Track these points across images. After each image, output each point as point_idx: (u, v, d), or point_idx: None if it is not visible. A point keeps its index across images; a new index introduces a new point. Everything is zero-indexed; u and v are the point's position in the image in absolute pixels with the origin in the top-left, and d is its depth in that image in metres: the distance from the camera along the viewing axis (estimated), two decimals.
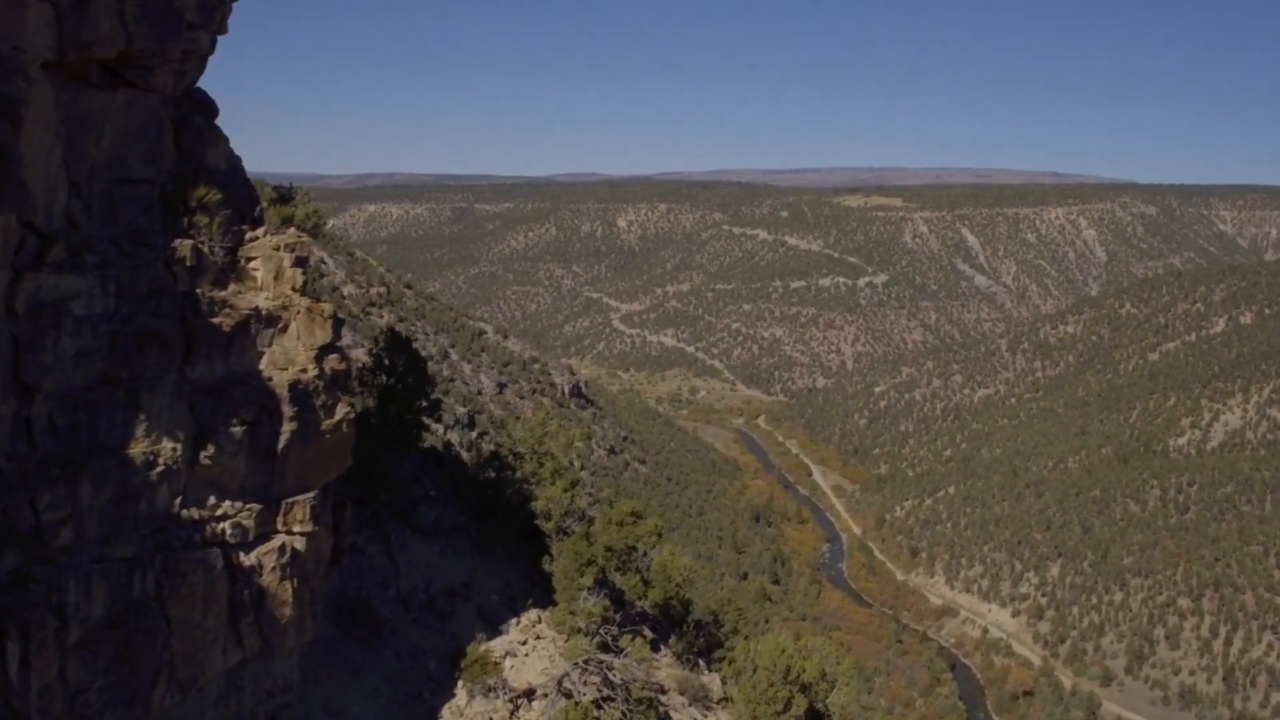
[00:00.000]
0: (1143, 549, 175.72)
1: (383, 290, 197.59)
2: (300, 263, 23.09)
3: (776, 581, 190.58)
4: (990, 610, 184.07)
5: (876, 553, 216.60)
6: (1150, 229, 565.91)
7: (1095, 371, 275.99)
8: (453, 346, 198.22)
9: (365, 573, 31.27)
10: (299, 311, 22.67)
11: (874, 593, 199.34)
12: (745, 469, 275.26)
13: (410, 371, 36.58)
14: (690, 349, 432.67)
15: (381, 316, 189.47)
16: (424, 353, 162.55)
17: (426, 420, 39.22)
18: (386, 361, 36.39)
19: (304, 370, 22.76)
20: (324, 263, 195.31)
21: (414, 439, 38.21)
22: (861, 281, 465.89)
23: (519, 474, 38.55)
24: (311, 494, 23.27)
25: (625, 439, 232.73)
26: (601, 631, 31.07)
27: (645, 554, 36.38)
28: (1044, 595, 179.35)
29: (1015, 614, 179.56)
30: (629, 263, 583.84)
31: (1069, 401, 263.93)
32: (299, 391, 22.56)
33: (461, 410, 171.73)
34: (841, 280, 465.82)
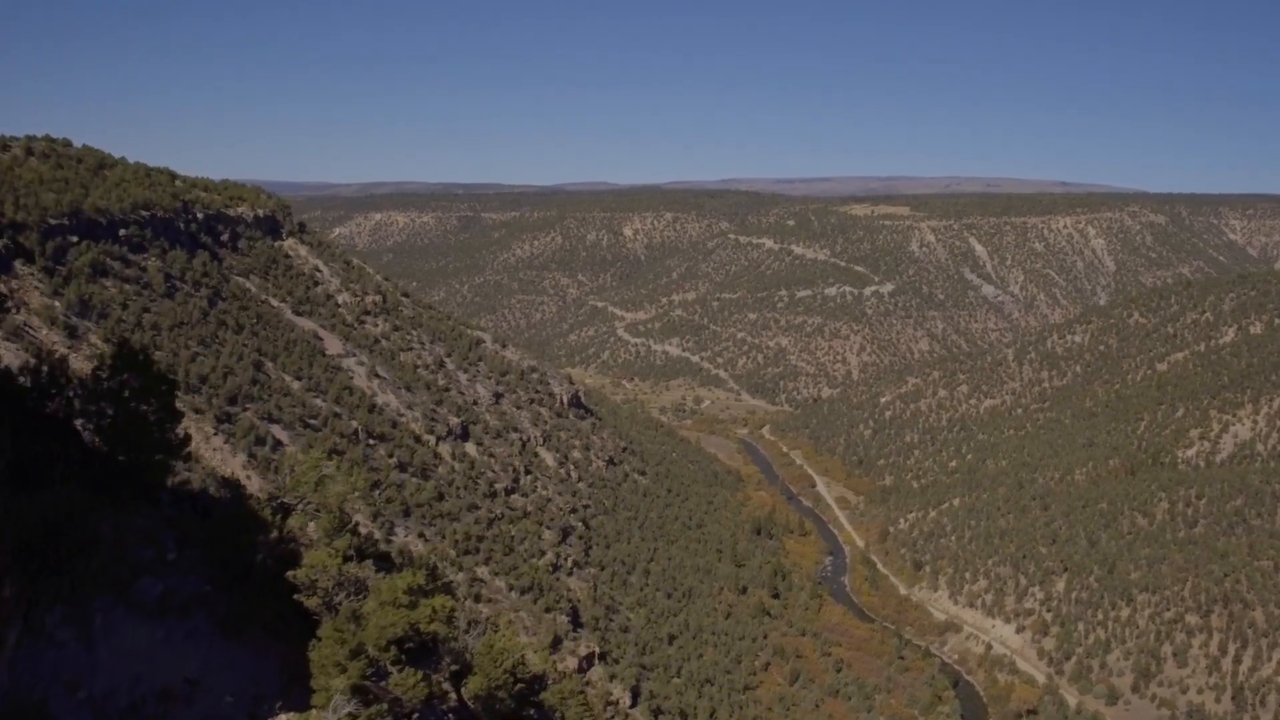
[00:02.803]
0: (1150, 563, 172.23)
1: (378, 299, 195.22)
2: None
3: (776, 596, 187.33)
4: (994, 625, 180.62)
5: (879, 566, 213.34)
6: (1159, 238, 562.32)
7: (1103, 382, 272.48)
8: (449, 355, 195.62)
9: (48, 668, 23.52)
10: None
11: (876, 607, 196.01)
12: (748, 480, 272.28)
13: (147, 397, 27.98)
14: (695, 358, 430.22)
15: (377, 325, 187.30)
16: (418, 361, 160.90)
17: (175, 461, 29.85)
18: (108, 384, 27.53)
19: None
20: (319, 271, 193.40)
21: (153, 485, 28.99)
22: (868, 291, 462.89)
23: (285, 531, 29.98)
24: None
25: (625, 450, 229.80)
26: None
27: (467, 631, 29.96)
28: (1049, 610, 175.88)
29: (1020, 630, 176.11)
30: (634, 272, 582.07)
31: (1076, 412, 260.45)
32: None
33: (455, 420, 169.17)
34: (848, 289, 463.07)
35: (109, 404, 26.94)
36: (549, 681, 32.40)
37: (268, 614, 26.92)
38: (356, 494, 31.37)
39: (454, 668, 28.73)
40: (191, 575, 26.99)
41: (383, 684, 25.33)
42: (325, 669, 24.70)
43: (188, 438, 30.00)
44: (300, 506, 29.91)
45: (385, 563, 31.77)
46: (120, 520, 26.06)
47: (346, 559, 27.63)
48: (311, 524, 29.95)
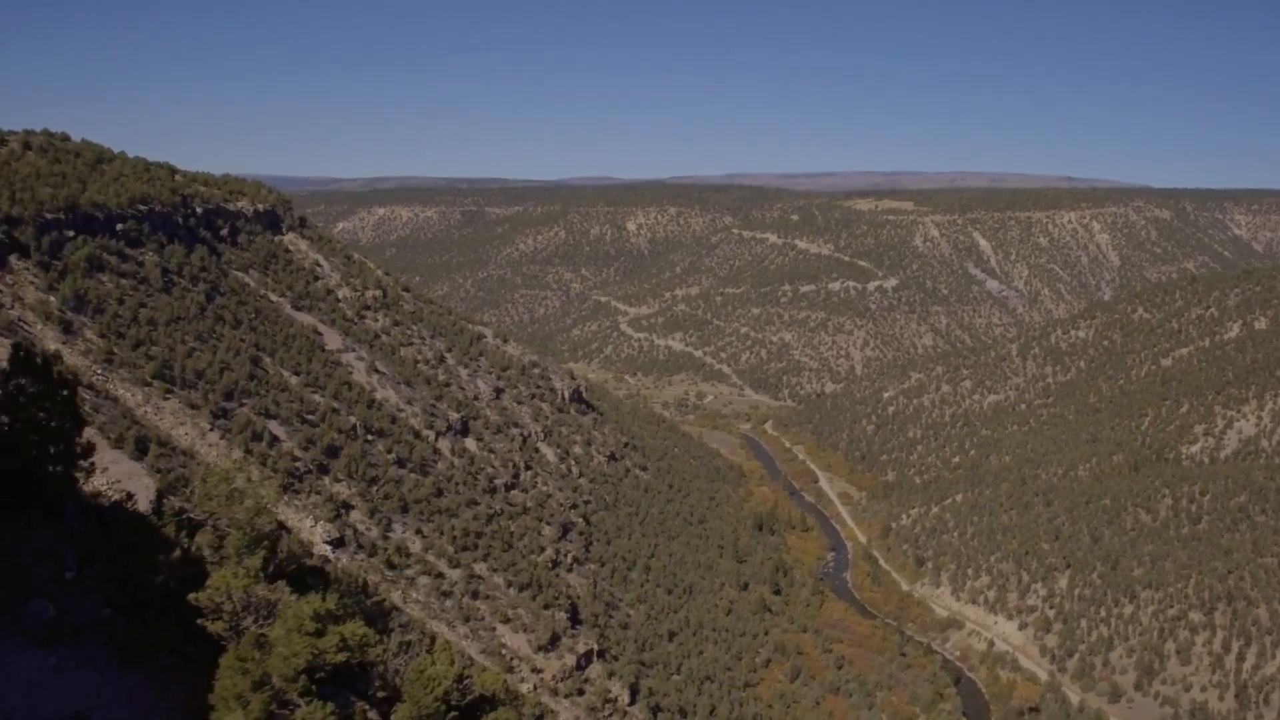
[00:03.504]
0: (1154, 560, 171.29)
1: (379, 294, 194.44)
2: None
3: (778, 592, 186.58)
4: (996, 622, 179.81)
5: (881, 562, 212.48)
6: (1164, 233, 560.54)
7: (1107, 377, 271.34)
8: (450, 351, 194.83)
9: None
10: None
11: (878, 603, 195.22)
12: (750, 475, 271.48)
13: (43, 403, 25.93)
14: (698, 353, 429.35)
15: (377, 320, 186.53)
16: (419, 357, 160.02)
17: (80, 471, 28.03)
18: (3, 390, 25.65)
19: None
20: (319, 265, 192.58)
21: (59, 498, 26.91)
22: (871, 285, 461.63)
23: (194, 548, 28.20)
24: None
25: (627, 445, 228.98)
26: None
27: (398, 654, 28.24)
28: (1052, 607, 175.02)
29: (1022, 626, 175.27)
30: (638, 266, 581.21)
31: (1080, 408, 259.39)
32: None
33: (455, 416, 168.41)
34: (851, 284, 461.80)
35: (3, 411, 25.25)
36: (499, 703, 30.32)
37: (170, 640, 24.68)
38: (269, 508, 28.88)
39: (383, 694, 26.96)
40: (89, 597, 24.82)
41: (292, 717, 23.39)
42: (226, 702, 22.68)
43: (90, 446, 28.13)
44: (210, 522, 27.91)
45: (314, 578, 30.00)
46: (17, 536, 24.15)
47: (261, 578, 25.66)
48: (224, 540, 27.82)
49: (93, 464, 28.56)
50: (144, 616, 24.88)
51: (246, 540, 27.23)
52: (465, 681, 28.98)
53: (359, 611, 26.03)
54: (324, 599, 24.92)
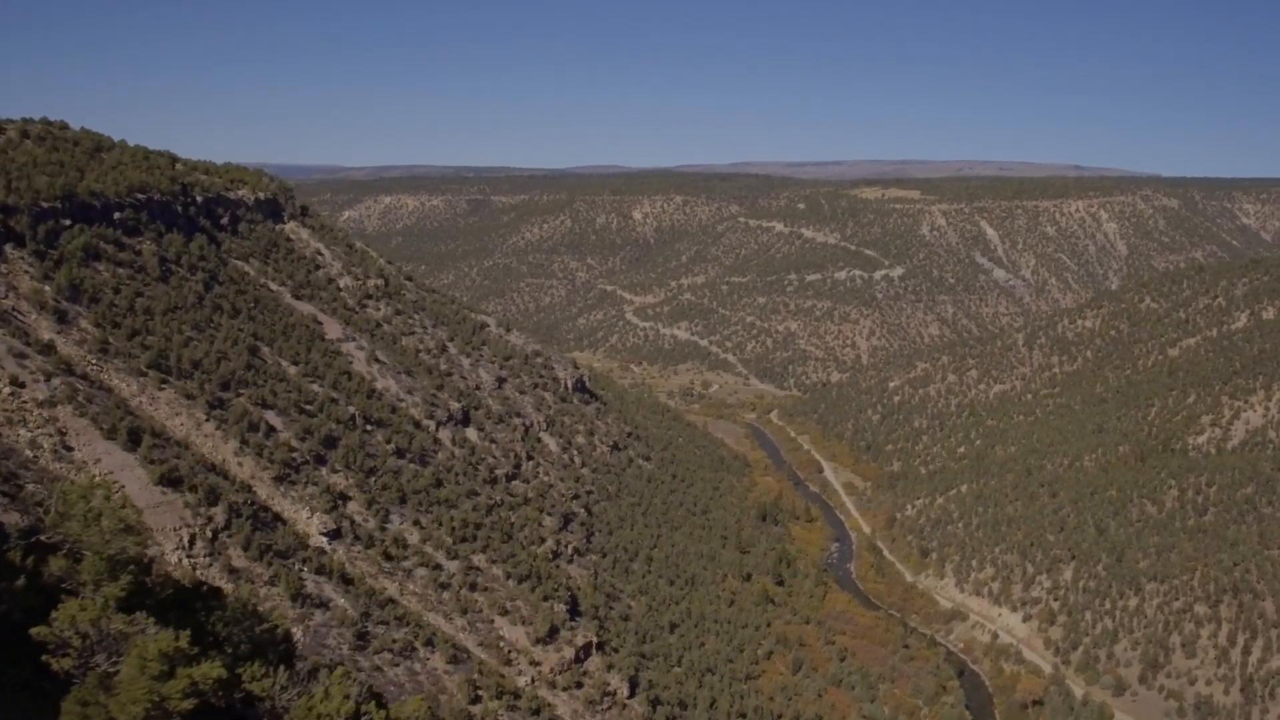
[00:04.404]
0: (1159, 552, 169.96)
1: (380, 283, 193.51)
2: None
3: (781, 583, 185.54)
4: (1001, 614, 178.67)
5: (886, 553, 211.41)
6: (1172, 222, 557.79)
7: (1114, 367, 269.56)
8: (452, 340, 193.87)
9: None
10: None
11: (882, 595, 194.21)
12: (755, 465, 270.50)
13: None
14: (704, 342, 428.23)
15: (378, 309, 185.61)
16: (420, 346, 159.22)
17: None
18: None
19: None
20: (320, 254, 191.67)
21: None
22: (878, 274, 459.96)
23: (48, 575, 25.45)
24: None
25: (630, 435, 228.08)
26: None
27: (284, 689, 24.71)
28: (1056, 599, 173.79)
29: (1026, 618, 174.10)
30: (644, 255, 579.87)
31: (1086, 398, 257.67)
32: None
33: (456, 406, 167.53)
34: (857, 273, 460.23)
35: None
36: None
37: (15, 677, 22.48)
38: (134, 527, 26.25)
39: None
40: None
41: None
42: None
43: None
44: (68, 546, 25.36)
45: (201, 603, 27.40)
46: None
47: (121, 608, 23.29)
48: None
49: None
50: None
51: (105, 565, 24.82)
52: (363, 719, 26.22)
53: (246, 641, 23.94)
54: (177, 635, 22.46)
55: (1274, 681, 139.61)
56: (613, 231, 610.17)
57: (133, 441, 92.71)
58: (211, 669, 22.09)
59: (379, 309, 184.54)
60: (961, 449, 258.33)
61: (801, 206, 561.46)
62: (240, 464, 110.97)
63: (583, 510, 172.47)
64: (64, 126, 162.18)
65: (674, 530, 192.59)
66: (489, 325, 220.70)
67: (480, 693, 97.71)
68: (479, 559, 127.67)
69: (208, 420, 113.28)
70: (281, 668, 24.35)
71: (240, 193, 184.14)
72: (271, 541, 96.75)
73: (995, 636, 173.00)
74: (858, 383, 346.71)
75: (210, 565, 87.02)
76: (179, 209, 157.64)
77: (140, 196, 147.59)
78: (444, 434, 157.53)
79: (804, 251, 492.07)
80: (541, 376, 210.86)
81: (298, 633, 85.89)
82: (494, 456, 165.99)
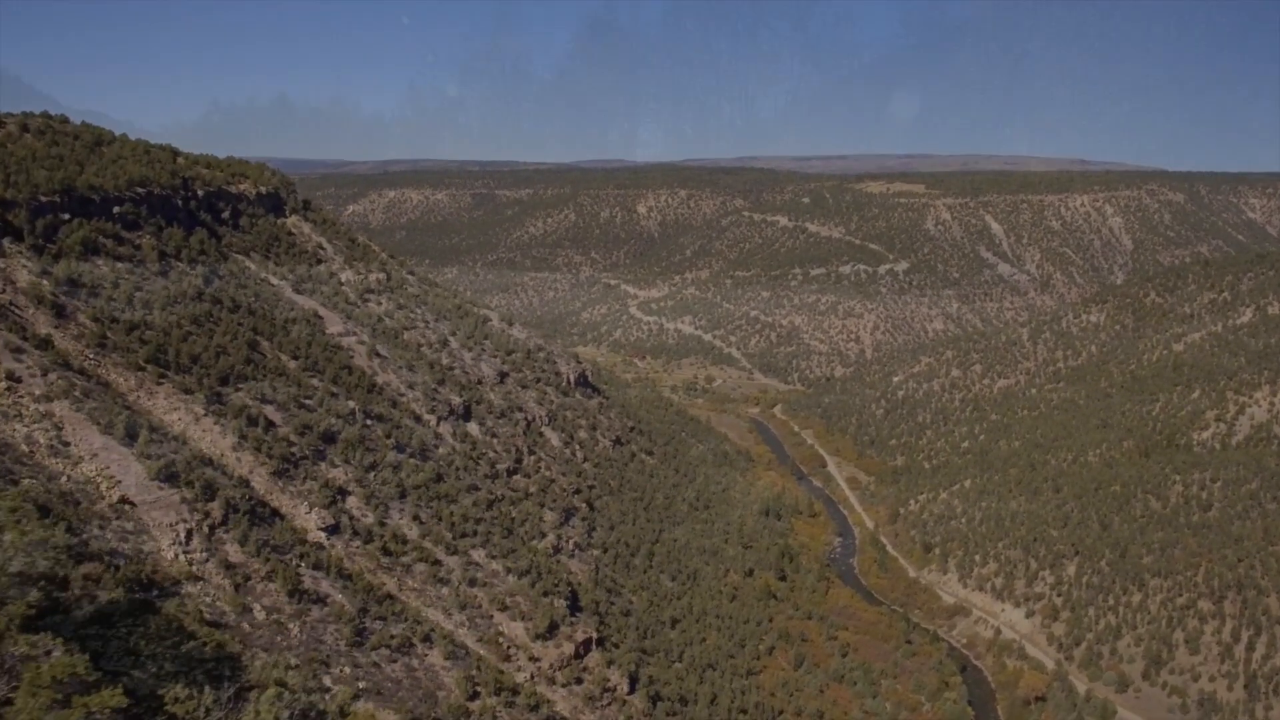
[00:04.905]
0: (1163, 548, 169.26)
1: (382, 277, 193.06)
2: None
3: (783, 578, 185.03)
4: (1003, 610, 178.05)
5: (889, 548, 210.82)
6: (1178, 217, 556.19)
7: (1118, 362, 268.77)
8: (454, 334, 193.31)
9: None
10: None
11: (884, 590, 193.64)
12: (758, 460, 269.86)
13: None
14: (707, 337, 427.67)
15: (380, 303, 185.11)
16: (422, 340, 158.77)
17: None
18: None
19: None
20: (322, 249, 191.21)
21: None
22: (882, 269, 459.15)
23: None
24: None
25: (633, 429, 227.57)
26: None
27: (209, 712, 23.09)
28: (1059, 595, 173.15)
29: (1029, 614, 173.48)
30: (648, 249, 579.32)
31: (1090, 393, 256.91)
32: None
33: (457, 400, 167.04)
34: (862, 268, 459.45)
35: None
36: None
37: None
38: (50, 540, 24.48)
39: None
40: None
41: None
42: None
43: None
44: None
45: (120, 616, 26.03)
46: None
47: (26, 628, 21.53)
48: None
49: None
50: None
51: (6, 582, 23.18)
52: None
53: (170, 660, 22.87)
54: (74, 660, 20.83)
55: (1278, 678, 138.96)
56: (617, 226, 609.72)
57: (130, 436, 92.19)
58: (110, 697, 20.57)
59: (380, 303, 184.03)
60: (965, 444, 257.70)
61: (806, 201, 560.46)
62: (238, 459, 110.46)
63: (584, 505, 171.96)
64: (64, 120, 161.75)
65: (676, 525, 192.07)
66: (491, 319, 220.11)
67: (478, 689, 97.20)
68: (479, 554, 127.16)
69: (206, 415, 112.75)
70: (207, 688, 23.00)
71: (241, 187, 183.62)
72: (269, 536, 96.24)
73: (998, 632, 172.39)
74: (862, 377, 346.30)
75: (207, 560, 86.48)
76: (179, 203, 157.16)
77: (140, 190, 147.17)
78: (445, 428, 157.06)
79: (808, 246, 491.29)
80: (544, 371, 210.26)
81: (294, 628, 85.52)
82: (495, 451, 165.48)
